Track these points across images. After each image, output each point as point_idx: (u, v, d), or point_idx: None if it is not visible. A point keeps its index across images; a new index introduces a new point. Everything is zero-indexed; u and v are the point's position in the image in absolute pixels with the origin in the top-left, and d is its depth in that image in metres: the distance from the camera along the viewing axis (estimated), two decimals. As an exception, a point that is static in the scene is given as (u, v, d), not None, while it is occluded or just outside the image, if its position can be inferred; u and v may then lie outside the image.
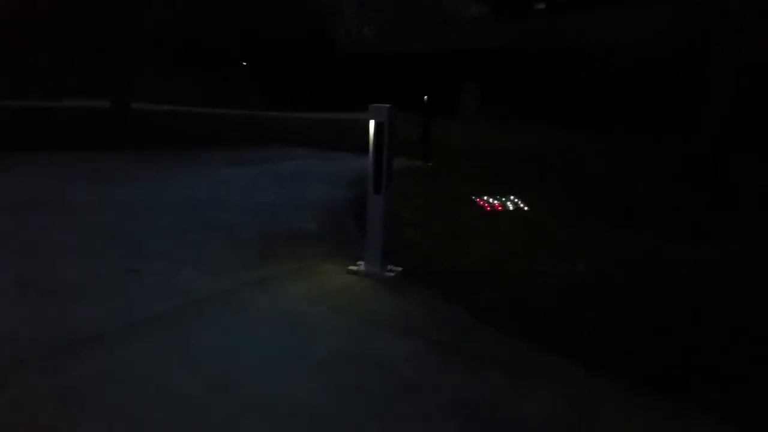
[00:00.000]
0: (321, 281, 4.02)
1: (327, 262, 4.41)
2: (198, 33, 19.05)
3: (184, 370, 2.69)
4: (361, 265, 4.23)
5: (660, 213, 5.82)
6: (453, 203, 6.55)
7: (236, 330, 3.16)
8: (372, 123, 4.01)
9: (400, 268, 4.22)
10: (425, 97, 9.64)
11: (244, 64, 19.44)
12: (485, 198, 6.69)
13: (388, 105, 3.97)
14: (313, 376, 2.70)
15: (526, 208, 6.31)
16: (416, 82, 19.66)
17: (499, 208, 6.33)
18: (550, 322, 3.36)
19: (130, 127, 12.45)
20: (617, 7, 17.34)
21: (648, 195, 6.74)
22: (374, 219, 4.12)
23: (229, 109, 17.47)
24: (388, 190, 4.12)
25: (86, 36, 14.95)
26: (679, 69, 14.36)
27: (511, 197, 6.76)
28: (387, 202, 4.12)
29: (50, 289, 3.58)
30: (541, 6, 21.44)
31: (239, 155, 10.02)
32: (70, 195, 6.21)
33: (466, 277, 4.12)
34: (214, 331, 3.12)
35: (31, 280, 3.70)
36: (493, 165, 9.21)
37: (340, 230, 5.47)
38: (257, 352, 2.93)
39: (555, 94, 17.25)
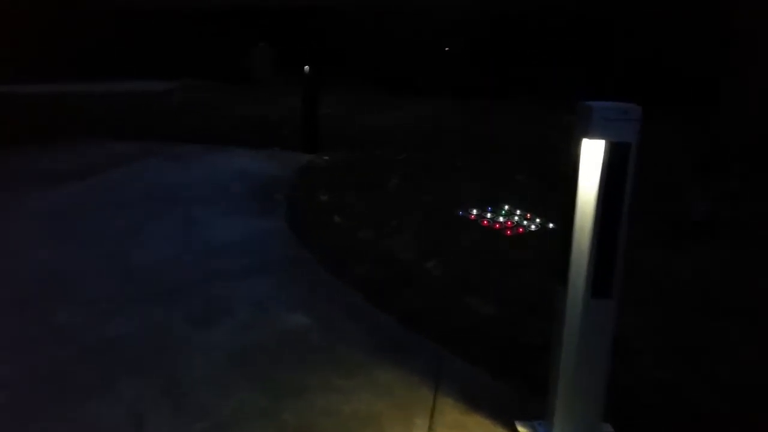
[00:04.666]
0: None
1: None
2: None
3: None
4: None
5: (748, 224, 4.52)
6: (445, 225, 4.55)
7: None
8: (594, 147, 1.83)
9: (611, 430, 2.18)
10: (306, 67, 7.23)
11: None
12: (478, 213, 4.82)
13: (635, 105, 1.83)
14: None
15: (551, 225, 4.60)
16: (199, 42, 16.49)
17: (520, 230, 4.52)
18: None
19: None
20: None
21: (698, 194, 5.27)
22: (592, 347, 2.00)
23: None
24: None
25: None
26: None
27: (506, 207, 5.01)
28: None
29: None
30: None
31: (32, 164, 6.36)
32: None
33: None
34: None
35: None
36: (412, 152, 7.23)
37: (367, 328, 3.11)
38: None
39: (378, 58, 15.53)
